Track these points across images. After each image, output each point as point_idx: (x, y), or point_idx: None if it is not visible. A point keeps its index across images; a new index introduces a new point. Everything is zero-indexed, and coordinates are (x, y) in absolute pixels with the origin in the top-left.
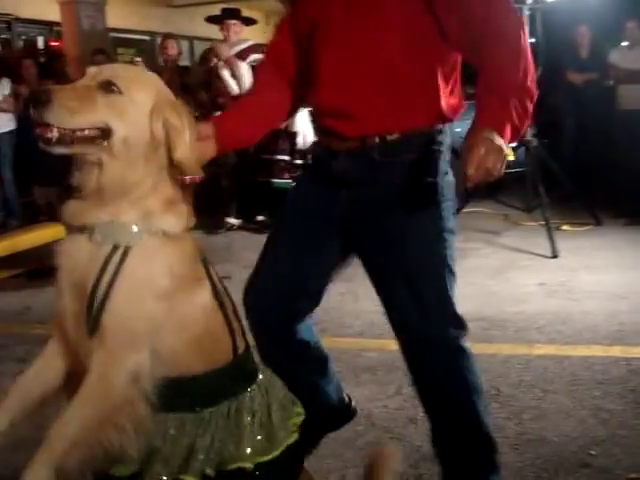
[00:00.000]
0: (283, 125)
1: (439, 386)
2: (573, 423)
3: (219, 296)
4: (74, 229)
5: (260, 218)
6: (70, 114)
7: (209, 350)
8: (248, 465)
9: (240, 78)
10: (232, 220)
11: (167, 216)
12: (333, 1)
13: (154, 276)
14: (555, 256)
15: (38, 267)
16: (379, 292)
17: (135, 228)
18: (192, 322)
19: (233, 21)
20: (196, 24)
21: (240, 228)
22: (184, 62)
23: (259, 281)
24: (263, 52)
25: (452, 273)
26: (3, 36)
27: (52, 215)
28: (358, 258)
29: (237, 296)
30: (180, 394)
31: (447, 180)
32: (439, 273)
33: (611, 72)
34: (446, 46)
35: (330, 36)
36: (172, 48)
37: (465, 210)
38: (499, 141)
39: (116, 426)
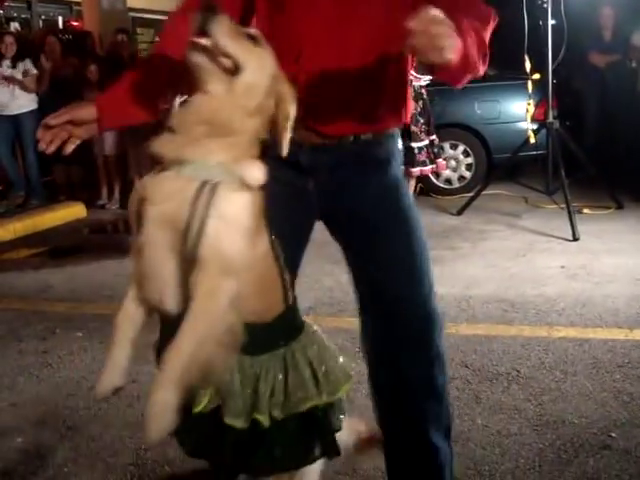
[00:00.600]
0: None
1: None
2: (593, 405)
3: (274, 249)
4: (164, 163)
5: None
6: (226, 34)
7: (267, 295)
8: (320, 403)
9: None
10: None
11: (252, 168)
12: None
13: (241, 215)
14: (576, 239)
15: (59, 246)
16: (352, 267)
17: (225, 169)
18: (257, 264)
19: None
20: None
21: None
22: None
23: None
24: None
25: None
26: (23, 16)
27: (72, 194)
28: (333, 237)
29: None
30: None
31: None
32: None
33: (634, 54)
34: None
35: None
36: None
37: (485, 192)
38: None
39: (220, 345)
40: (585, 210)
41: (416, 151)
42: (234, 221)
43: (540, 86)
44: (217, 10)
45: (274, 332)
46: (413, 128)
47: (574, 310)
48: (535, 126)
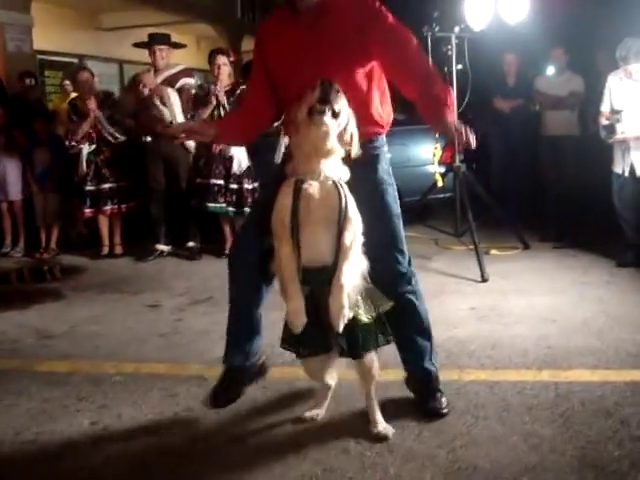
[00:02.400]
0: (217, 149)
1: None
2: (504, 450)
3: None
4: (304, 176)
5: (190, 244)
6: (336, 97)
7: None
8: (390, 305)
9: (170, 106)
10: (161, 247)
11: (344, 169)
12: (305, 58)
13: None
14: (485, 280)
15: None
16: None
17: (336, 172)
18: None
19: (161, 46)
20: (126, 47)
21: (170, 254)
22: (112, 85)
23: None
24: (193, 76)
25: (399, 218)
26: None
27: None
28: None
29: (167, 326)
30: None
31: (389, 170)
32: (396, 221)
33: (537, 98)
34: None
35: (303, 77)
36: (87, 80)
37: None
38: (456, 121)
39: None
40: (493, 251)
41: None
42: (352, 203)
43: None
44: (332, 84)
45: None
46: None
47: (484, 352)
48: (443, 169)
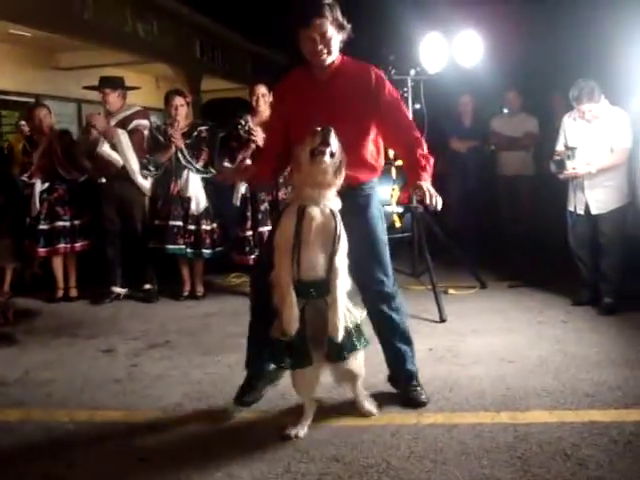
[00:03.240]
0: (175, 190)
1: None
2: None
3: None
4: (307, 203)
5: (147, 287)
6: (333, 140)
7: None
8: (364, 314)
9: (120, 148)
10: (117, 289)
11: (337, 201)
12: (317, 112)
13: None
14: (443, 320)
15: None
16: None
17: (332, 203)
18: None
19: (111, 90)
20: (82, 86)
21: (126, 297)
22: (71, 125)
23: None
24: (148, 117)
25: (386, 246)
26: None
27: None
28: None
29: (122, 371)
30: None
31: (379, 206)
32: (383, 248)
33: (492, 139)
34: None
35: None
36: (45, 117)
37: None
38: (429, 184)
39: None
40: (451, 290)
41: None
42: (343, 230)
43: (404, 171)
44: (330, 130)
45: None
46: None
47: (442, 394)
48: (400, 210)
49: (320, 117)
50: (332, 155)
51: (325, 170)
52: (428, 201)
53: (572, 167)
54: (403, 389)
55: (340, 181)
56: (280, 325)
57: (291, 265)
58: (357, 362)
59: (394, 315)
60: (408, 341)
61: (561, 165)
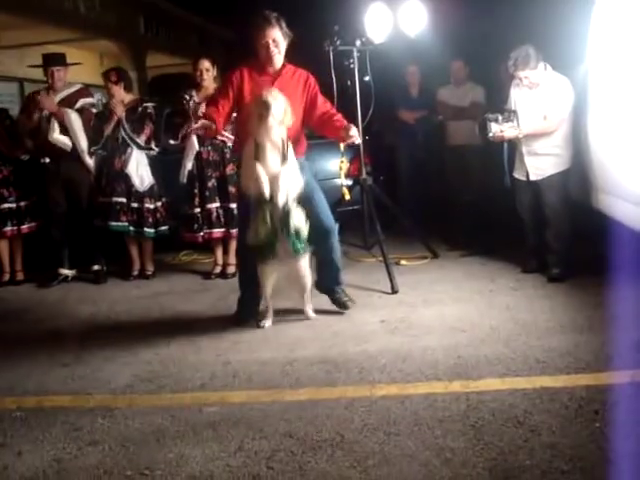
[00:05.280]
0: (118, 166)
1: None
2: (417, 466)
3: None
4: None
5: (96, 267)
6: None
7: None
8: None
9: (71, 128)
10: (65, 271)
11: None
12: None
13: None
14: (395, 292)
15: None
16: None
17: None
18: None
19: (57, 67)
20: (26, 65)
21: (75, 279)
22: (13, 105)
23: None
24: (91, 95)
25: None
26: None
27: None
28: None
29: (71, 355)
30: None
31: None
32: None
33: (440, 109)
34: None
35: None
36: None
37: None
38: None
39: None
40: (403, 261)
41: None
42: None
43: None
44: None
45: None
46: (231, 189)
47: (395, 366)
48: (350, 182)
49: None
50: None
51: (272, 127)
52: (355, 137)
53: (500, 130)
54: (330, 295)
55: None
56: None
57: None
58: (305, 263)
59: (333, 240)
60: (339, 258)
61: (485, 128)
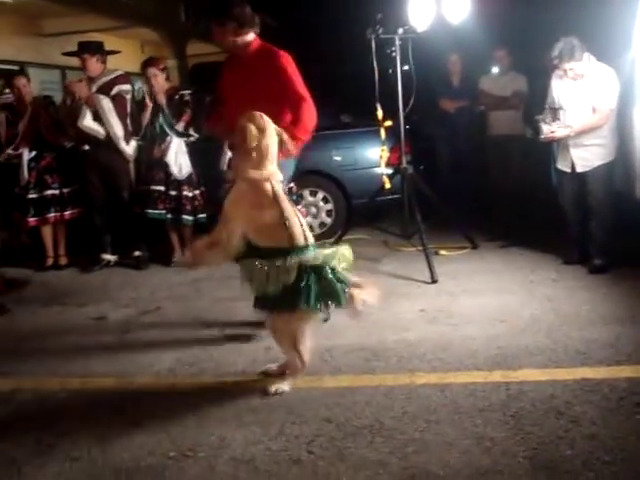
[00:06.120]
0: (158, 154)
1: None
2: (457, 454)
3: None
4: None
5: (137, 253)
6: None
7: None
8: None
9: (103, 115)
10: (108, 256)
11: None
12: (237, 83)
13: None
14: (435, 281)
15: None
16: None
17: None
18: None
19: (90, 55)
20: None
21: (116, 264)
22: (55, 92)
23: None
24: (130, 82)
25: None
26: None
27: None
28: None
29: (113, 338)
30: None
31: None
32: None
33: (482, 99)
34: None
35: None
36: (24, 87)
37: (346, 238)
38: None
39: None
40: (442, 251)
41: None
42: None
43: (393, 132)
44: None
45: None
46: None
47: (435, 354)
48: (390, 171)
49: (240, 90)
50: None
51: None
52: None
53: (550, 131)
54: None
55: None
56: None
57: None
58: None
59: None
60: None
61: (537, 131)
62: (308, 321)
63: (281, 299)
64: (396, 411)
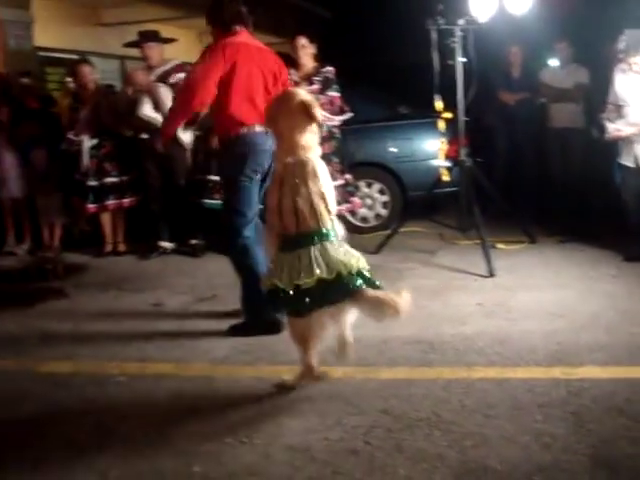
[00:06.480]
0: (214, 144)
1: None
2: (516, 449)
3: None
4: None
5: (194, 241)
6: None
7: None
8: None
9: (161, 102)
10: (165, 244)
11: None
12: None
13: None
14: (492, 275)
15: None
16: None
17: None
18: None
19: (150, 44)
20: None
21: (174, 252)
22: (114, 82)
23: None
24: (187, 71)
25: None
26: None
27: None
28: None
29: (170, 324)
30: None
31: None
32: None
33: (542, 91)
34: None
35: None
36: (88, 75)
37: (401, 230)
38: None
39: None
40: (499, 245)
41: None
42: None
43: (451, 124)
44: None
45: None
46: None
47: (492, 349)
48: (448, 163)
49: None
50: None
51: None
52: None
53: (616, 130)
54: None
55: None
56: None
57: None
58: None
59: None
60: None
61: (602, 130)
62: (320, 326)
63: (291, 301)
64: (454, 404)
